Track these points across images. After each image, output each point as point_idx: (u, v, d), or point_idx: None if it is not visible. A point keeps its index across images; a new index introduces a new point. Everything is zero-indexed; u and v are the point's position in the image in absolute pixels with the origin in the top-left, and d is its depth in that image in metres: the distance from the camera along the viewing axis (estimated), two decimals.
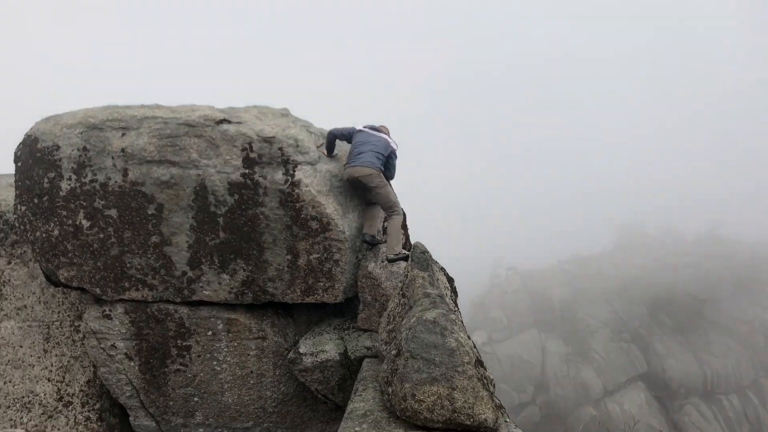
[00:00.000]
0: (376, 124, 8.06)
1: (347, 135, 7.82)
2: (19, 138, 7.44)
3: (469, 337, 5.33)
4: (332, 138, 7.75)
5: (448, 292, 6.43)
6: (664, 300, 46.85)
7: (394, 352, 5.23)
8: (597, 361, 43.40)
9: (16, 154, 7.39)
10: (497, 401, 4.94)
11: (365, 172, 7.32)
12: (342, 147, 8.15)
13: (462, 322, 5.76)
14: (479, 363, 5.03)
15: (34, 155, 7.21)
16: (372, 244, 7.54)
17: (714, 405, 40.66)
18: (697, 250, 52.93)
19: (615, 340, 44.82)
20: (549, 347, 45.04)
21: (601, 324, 45.95)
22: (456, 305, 6.75)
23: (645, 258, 52.24)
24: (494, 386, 5.14)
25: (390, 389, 4.99)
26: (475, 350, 5.19)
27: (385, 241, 7.52)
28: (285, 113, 8.19)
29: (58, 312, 8.18)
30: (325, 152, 7.73)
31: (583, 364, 43.36)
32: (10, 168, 7.83)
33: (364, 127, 7.87)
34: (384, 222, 8.16)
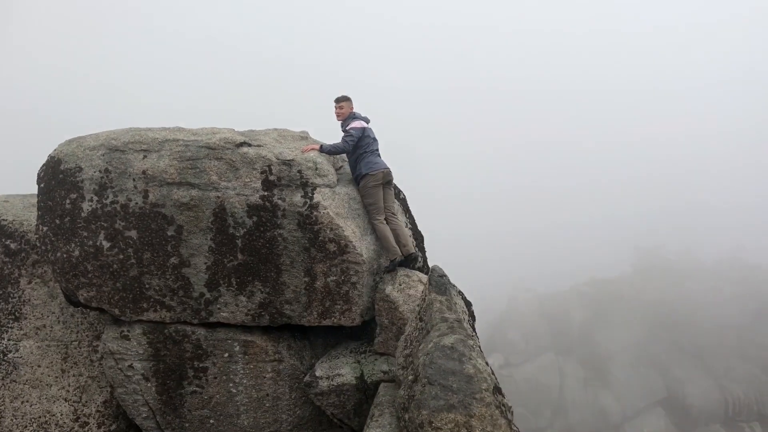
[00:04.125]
0: (357, 110, 8.23)
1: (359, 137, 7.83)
2: (43, 159, 7.55)
3: (487, 363, 5.28)
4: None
5: (466, 317, 6.38)
6: (684, 325, 46.16)
7: (411, 377, 5.19)
8: (615, 386, 42.74)
9: (39, 175, 7.50)
10: (515, 429, 4.88)
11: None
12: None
13: (480, 348, 5.71)
14: (497, 390, 4.97)
15: (57, 176, 7.32)
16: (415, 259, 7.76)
17: None
18: (718, 274, 52.21)
19: (634, 364, 44.14)
20: (567, 371, 44.47)
21: (620, 348, 45.29)
22: (474, 330, 6.69)
23: (664, 282, 51.58)
24: (512, 413, 5.08)
25: (407, 415, 4.94)
26: (493, 377, 5.14)
27: (413, 252, 7.69)
28: (304, 136, 8.26)
29: (77, 332, 8.24)
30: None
31: (601, 389, 42.74)
32: (33, 189, 7.93)
33: (360, 118, 8.03)
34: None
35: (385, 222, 7.54)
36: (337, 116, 8.14)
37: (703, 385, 42.01)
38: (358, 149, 7.73)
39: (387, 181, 7.75)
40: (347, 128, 7.82)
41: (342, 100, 8.15)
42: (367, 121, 8.00)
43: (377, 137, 8.07)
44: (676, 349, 45.18)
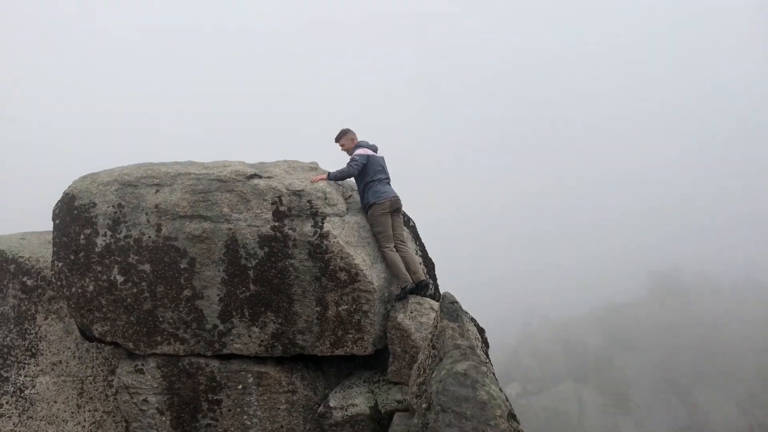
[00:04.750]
0: (363, 139, 8.24)
1: (364, 164, 7.86)
2: (58, 196, 7.69)
3: (501, 390, 5.25)
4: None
5: (479, 343, 6.36)
6: (703, 348, 45.47)
7: (424, 405, 5.16)
8: (636, 413, 42.03)
9: (54, 211, 7.63)
10: None
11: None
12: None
13: (494, 374, 5.68)
14: (512, 416, 4.93)
15: (71, 212, 7.44)
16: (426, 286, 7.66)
17: None
18: (734, 296, 51.58)
19: (654, 391, 43.43)
20: (585, 398, 43.77)
21: (639, 374, 44.65)
22: (487, 357, 6.67)
23: (681, 305, 51.01)
24: None
25: None
26: (507, 403, 5.10)
27: (424, 279, 7.63)
28: (314, 166, 8.36)
29: (92, 367, 8.28)
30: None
31: (621, 416, 42.02)
32: (48, 226, 8.06)
33: (365, 146, 8.04)
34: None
35: (394, 250, 7.56)
36: (345, 152, 8.22)
37: (726, 410, 41.21)
38: (365, 177, 7.76)
39: (395, 209, 7.78)
40: (352, 155, 7.90)
41: (341, 137, 8.22)
42: (375, 149, 8.06)
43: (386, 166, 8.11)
44: (696, 374, 44.45)
